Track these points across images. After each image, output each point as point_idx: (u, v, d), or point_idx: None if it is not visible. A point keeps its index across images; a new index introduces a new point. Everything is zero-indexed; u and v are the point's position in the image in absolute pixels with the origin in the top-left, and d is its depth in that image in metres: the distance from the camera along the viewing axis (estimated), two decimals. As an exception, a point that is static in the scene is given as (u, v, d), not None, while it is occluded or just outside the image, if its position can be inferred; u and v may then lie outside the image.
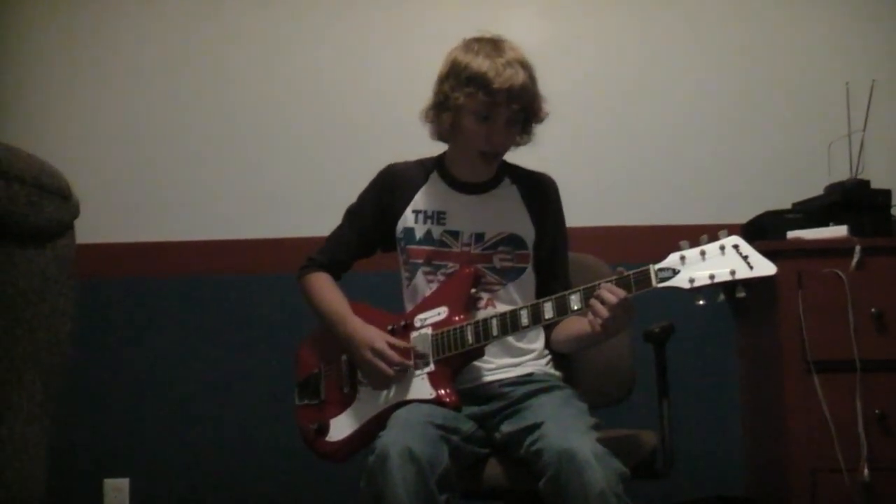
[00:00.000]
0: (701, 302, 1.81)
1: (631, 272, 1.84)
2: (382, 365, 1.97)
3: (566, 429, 1.79)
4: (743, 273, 1.75)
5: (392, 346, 1.99)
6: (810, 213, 2.75)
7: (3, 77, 3.23)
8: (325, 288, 2.17)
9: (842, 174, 2.84)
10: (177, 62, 3.25)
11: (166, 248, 3.16)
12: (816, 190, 2.85)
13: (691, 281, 1.77)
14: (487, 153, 2.06)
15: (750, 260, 1.75)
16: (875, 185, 2.75)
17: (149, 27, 3.26)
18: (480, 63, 1.99)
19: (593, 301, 1.84)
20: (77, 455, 3.03)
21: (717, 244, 1.78)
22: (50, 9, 3.26)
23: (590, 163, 3.14)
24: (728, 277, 1.75)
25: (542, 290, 2.15)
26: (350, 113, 3.20)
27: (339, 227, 2.24)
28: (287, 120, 3.21)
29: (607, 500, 1.66)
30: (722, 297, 1.80)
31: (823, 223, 2.68)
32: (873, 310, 2.54)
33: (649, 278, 1.81)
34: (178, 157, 3.22)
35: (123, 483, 3.07)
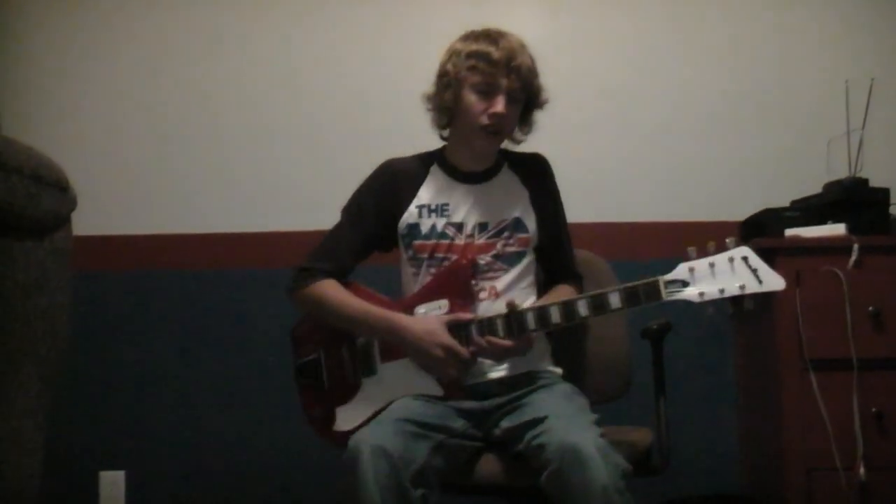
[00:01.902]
0: (710, 310, 1.82)
1: (640, 283, 1.85)
2: (455, 363, 1.95)
3: (569, 424, 1.79)
4: (752, 287, 1.78)
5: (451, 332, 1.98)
6: (809, 210, 2.75)
7: (3, 71, 3.22)
8: (342, 293, 2.10)
9: (840, 172, 2.84)
10: (173, 56, 3.23)
11: (163, 241, 3.15)
12: (815, 188, 2.84)
13: (701, 295, 1.80)
14: (488, 129, 2.05)
15: (759, 273, 1.78)
16: (874, 183, 2.75)
17: (144, 22, 3.24)
18: (481, 43, 2.06)
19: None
20: (72, 447, 3.02)
21: (725, 256, 1.80)
22: (49, 4, 3.24)
23: (588, 159, 3.13)
24: (738, 292, 1.78)
25: (547, 268, 2.20)
26: (349, 107, 3.18)
27: (338, 230, 2.18)
28: (285, 114, 3.20)
29: (609, 495, 1.66)
30: (731, 310, 1.81)
31: (822, 221, 2.68)
32: (871, 308, 2.53)
33: (658, 291, 1.84)
34: (175, 150, 3.20)
35: (119, 476, 3.07)
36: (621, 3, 3.21)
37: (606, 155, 3.15)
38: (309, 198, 3.11)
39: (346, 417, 2.07)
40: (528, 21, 3.18)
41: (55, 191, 1.24)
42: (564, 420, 1.80)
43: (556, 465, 1.72)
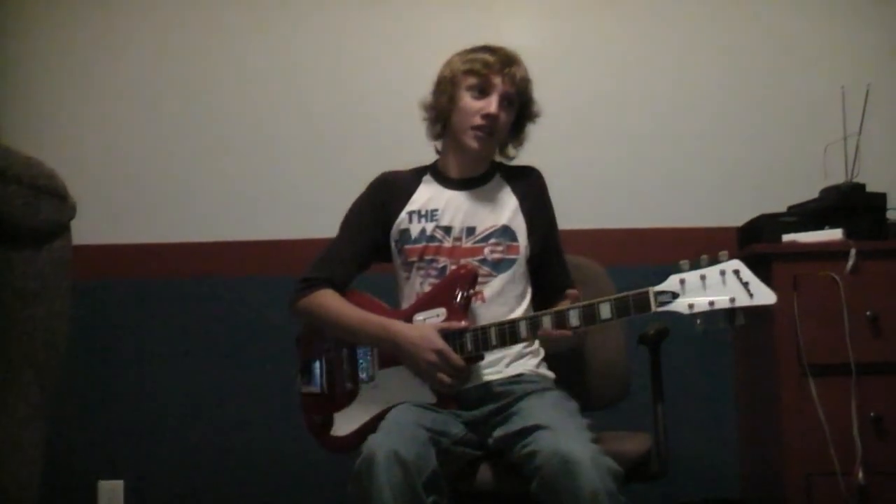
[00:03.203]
0: (699, 323, 1.81)
1: (630, 294, 1.85)
2: (448, 370, 1.95)
3: (558, 431, 1.79)
4: (743, 301, 1.77)
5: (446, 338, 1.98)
6: (806, 216, 2.75)
7: (1, 78, 3.23)
8: (338, 301, 2.11)
9: (837, 177, 2.84)
10: (174, 64, 3.24)
11: (161, 250, 3.15)
12: (812, 193, 2.85)
13: (690, 307, 1.79)
14: (482, 129, 2.09)
15: (750, 287, 1.77)
16: (870, 188, 2.75)
17: (145, 28, 3.25)
18: (478, 52, 2.14)
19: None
20: (71, 456, 3.02)
21: (717, 268, 1.79)
22: (48, 10, 3.25)
23: (586, 165, 3.14)
24: (727, 305, 1.77)
25: (540, 281, 2.21)
26: (346, 115, 3.19)
27: (336, 242, 2.21)
28: (284, 122, 3.21)
29: (600, 500, 1.66)
30: (722, 324, 1.80)
31: (819, 226, 2.69)
32: (868, 313, 2.54)
33: (648, 302, 1.83)
34: (175, 158, 3.21)
35: (118, 485, 3.06)
36: (617, 10, 3.22)
37: (603, 161, 3.15)
38: (309, 206, 3.12)
39: (343, 422, 2.08)
40: (524, 29, 3.19)
41: (54, 200, 1.25)
42: (554, 428, 1.80)
43: (545, 472, 1.72)
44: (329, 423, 2.10)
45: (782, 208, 2.86)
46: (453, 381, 1.96)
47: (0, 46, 3.25)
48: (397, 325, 2.03)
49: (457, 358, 1.95)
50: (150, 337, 3.12)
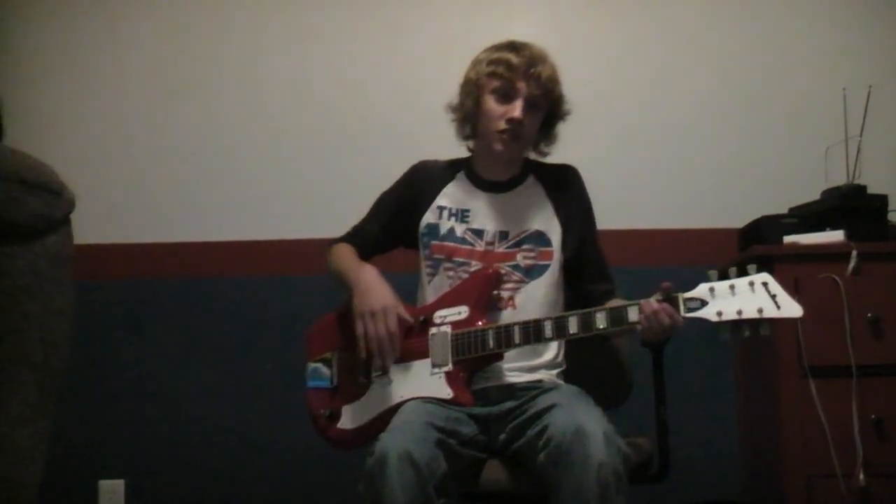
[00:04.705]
0: (726, 335, 1.82)
1: (661, 299, 1.85)
2: (381, 325, 1.98)
3: (575, 409, 1.81)
4: (770, 312, 1.79)
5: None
6: (807, 217, 2.75)
7: (2, 77, 3.23)
8: (346, 252, 2.18)
9: (839, 179, 2.84)
10: (174, 63, 3.24)
11: (161, 250, 3.15)
12: (813, 195, 2.84)
13: (719, 314, 1.81)
14: (507, 133, 2.07)
15: (778, 299, 1.79)
16: (872, 190, 2.75)
17: (148, 27, 3.26)
18: (503, 52, 2.10)
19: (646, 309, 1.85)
20: (72, 456, 3.02)
21: (746, 280, 1.81)
22: (48, 10, 3.25)
23: (586, 168, 3.11)
24: (755, 315, 1.79)
25: (575, 286, 2.19)
26: (347, 115, 3.19)
27: (365, 218, 2.26)
28: (285, 122, 3.21)
29: (606, 474, 1.66)
30: (747, 333, 1.81)
31: (820, 228, 2.68)
32: (869, 315, 2.53)
33: (678, 307, 1.84)
34: (176, 158, 3.21)
35: (119, 484, 3.06)
36: (620, 12, 3.22)
37: (604, 163, 3.14)
38: (308, 207, 3.12)
39: (352, 416, 2.07)
40: (530, 31, 3.18)
41: (45, 194, 1.22)
42: (570, 406, 1.82)
43: (556, 440, 1.72)
44: (336, 416, 2.09)
45: (783, 210, 2.86)
46: (380, 334, 1.97)
47: (1, 45, 3.25)
48: (368, 271, 2.06)
49: (394, 325, 1.98)
50: (150, 336, 3.11)
